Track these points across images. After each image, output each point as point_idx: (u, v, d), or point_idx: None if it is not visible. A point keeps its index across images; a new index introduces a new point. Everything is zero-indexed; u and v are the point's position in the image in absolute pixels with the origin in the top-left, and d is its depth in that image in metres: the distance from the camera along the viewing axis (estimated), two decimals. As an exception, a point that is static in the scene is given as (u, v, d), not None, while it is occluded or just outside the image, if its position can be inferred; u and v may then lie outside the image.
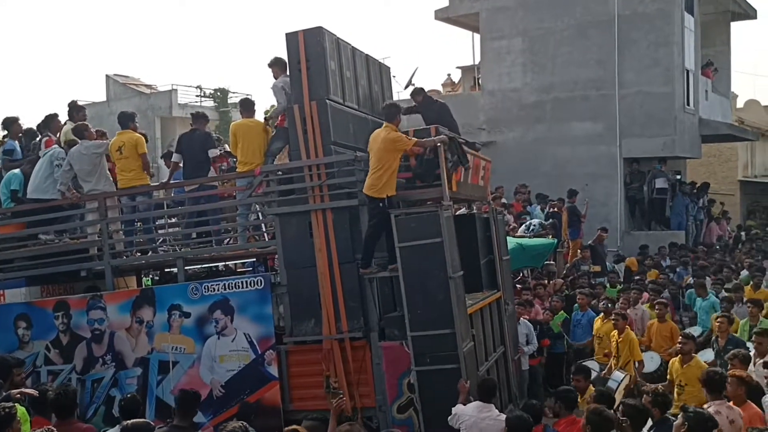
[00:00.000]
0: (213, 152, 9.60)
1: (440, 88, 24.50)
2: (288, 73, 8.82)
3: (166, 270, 10.61)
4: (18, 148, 10.69)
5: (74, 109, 10.36)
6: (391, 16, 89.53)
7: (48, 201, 9.56)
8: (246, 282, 8.70)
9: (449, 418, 7.25)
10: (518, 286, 13.46)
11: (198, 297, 8.73)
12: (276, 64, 9.06)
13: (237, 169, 9.35)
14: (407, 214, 8.04)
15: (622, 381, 9.26)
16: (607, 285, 14.50)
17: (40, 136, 10.44)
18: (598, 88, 19.80)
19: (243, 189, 9.19)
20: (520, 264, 13.72)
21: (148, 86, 33.26)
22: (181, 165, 9.67)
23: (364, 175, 8.30)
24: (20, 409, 6.02)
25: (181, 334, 8.77)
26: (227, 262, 10.66)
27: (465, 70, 25.06)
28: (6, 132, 11.10)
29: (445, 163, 8.11)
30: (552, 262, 15.49)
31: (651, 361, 10.41)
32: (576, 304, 12.59)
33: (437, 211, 7.84)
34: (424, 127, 8.74)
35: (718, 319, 9.81)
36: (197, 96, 32.98)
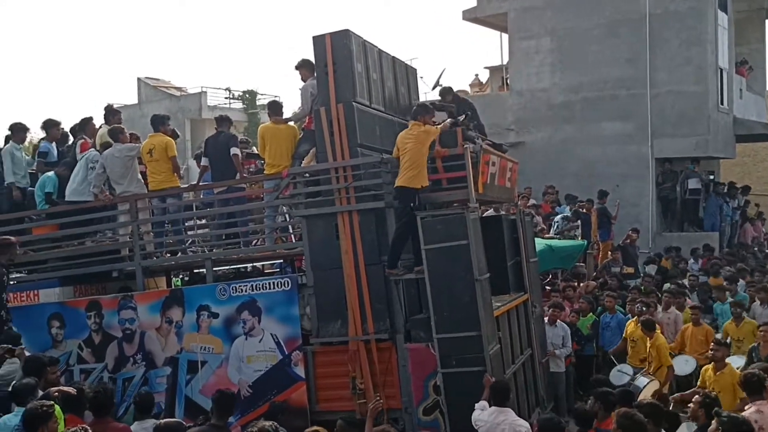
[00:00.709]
0: (234, 150, 9.68)
1: (468, 89, 24.42)
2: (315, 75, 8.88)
3: (194, 271, 10.73)
4: (53, 151, 10.85)
5: (110, 112, 10.52)
6: (418, 17, 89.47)
7: (85, 203, 9.72)
8: (273, 283, 8.77)
9: (472, 415, 7.22)
10: (547, 287, 13.39)
11: (226, 298, 8.82)
12: (303, 66, 9.13)
13: (264, 171, 9.45)
14: (433, 216, 8.02)
15: (645, 386, 9.15)
16: (642, 288, 14.29)
17: (73, 139, 10.62)
18: (629, 88, 19.59)
19: (270, 191, 9.26)
20: (549, 265, 13.61)
21: (179, 89, 33.59)
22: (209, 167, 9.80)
23: (390, 177, 8.34)
24: (55, 408, 6.14)
25: (210, 334, 8.86)
26: (255, 263, 10.73)
27: (493, 70, 24.99)
28: (45, 134, 11.29)
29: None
30: (582, 263, 15.35)
31: (686, 365, 10.28)
32: (600, 306, 12.44)
33: (463, 213, 7.82)
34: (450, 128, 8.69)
35: (761, 328, 9.64)
36: (226, 98, 33.17)
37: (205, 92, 31.87)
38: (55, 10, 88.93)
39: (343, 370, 8.45)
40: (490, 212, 12.57)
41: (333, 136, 8.48)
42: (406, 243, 8.20)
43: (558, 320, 10.97)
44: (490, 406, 7.24)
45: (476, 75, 26.31)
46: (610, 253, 16.71)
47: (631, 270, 16.10)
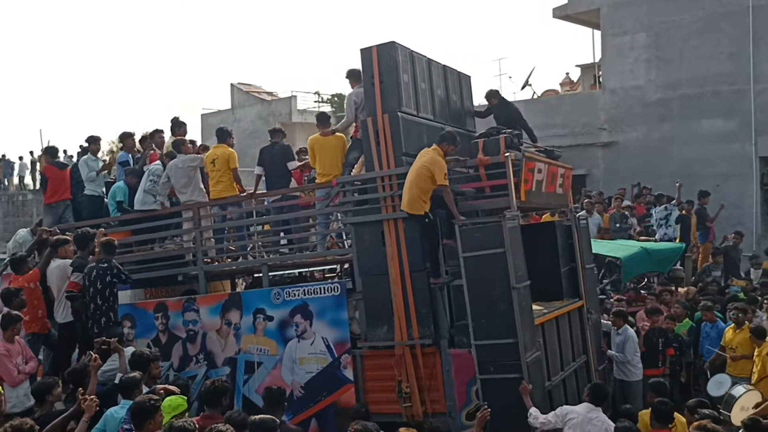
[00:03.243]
0: (292, 164, 10.04)
1: (558, 88, 23.91)
2: (361, 83, 9.08)
3: (255, 275, 11.19)
4: (131, 160, 11.56)
5: (176, 124, 11.11)
6: (507, 16, 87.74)
7: (152, 211, 10.37)
8: (324, 288, 9.05)
9: (553, 415, 7.19)
10: (643, 291, 12.94)
11: (280, 302, 9.15)
12: (350, 76, 9.42)
13: (316, 180, 9.77)
14: (472, 224, 8.05)
15: (742, 395, 8.64)
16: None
17: (143, 150, 11.33)
18: (731, 83, 18.68)
19: (322, 199, 9.57)
20: (645, 269, 13.18)
21: (270, 93, 34.27)
22: (263, 177, 10.23)
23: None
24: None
25: (265, 336, 9.21)
26: (311, 269, 11.06)
27: (584, 68, 24.34)
28: (122, 145, 12.10)
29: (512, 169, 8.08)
30: (680, 267, 14.70)
31: None
32: (697, 314, 11.81)
33: (500, 221, 7.79)
34: (494, 136, 8.68)
35: None
36: (315, 102, 33.56)
37: (295, 96, 32.21)
38: (156, 21, 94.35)
39: (390, 373, 8.60)
40: (582, 214, 11.96)
41: (379, 145, 8.68)
42: (438, 248, 8.27)
43: (624, 326, 10.54)
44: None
45: (567, 73, 25.76)
46: (710, 256, 15.90)
47: (743, 283, 15.00)
